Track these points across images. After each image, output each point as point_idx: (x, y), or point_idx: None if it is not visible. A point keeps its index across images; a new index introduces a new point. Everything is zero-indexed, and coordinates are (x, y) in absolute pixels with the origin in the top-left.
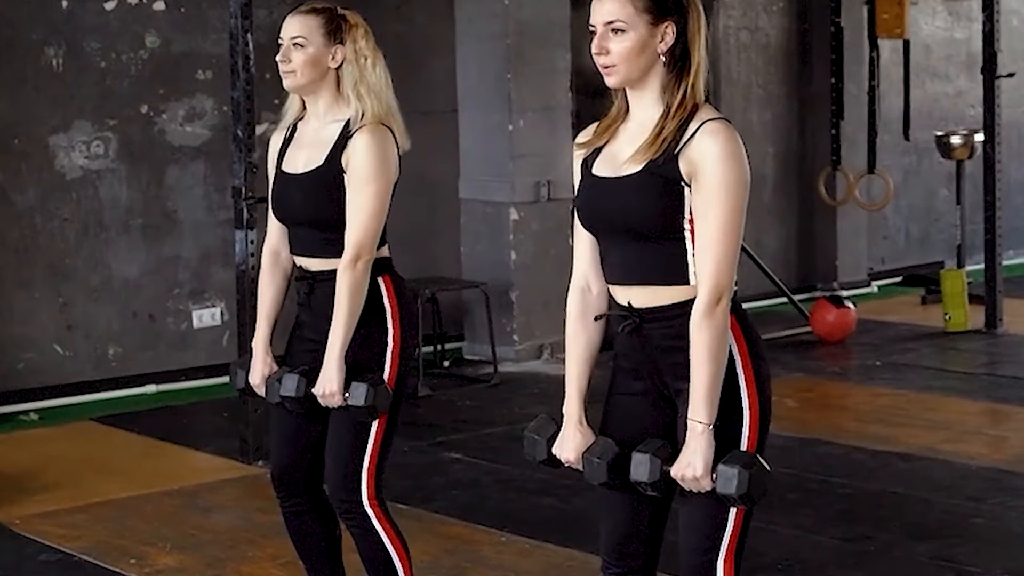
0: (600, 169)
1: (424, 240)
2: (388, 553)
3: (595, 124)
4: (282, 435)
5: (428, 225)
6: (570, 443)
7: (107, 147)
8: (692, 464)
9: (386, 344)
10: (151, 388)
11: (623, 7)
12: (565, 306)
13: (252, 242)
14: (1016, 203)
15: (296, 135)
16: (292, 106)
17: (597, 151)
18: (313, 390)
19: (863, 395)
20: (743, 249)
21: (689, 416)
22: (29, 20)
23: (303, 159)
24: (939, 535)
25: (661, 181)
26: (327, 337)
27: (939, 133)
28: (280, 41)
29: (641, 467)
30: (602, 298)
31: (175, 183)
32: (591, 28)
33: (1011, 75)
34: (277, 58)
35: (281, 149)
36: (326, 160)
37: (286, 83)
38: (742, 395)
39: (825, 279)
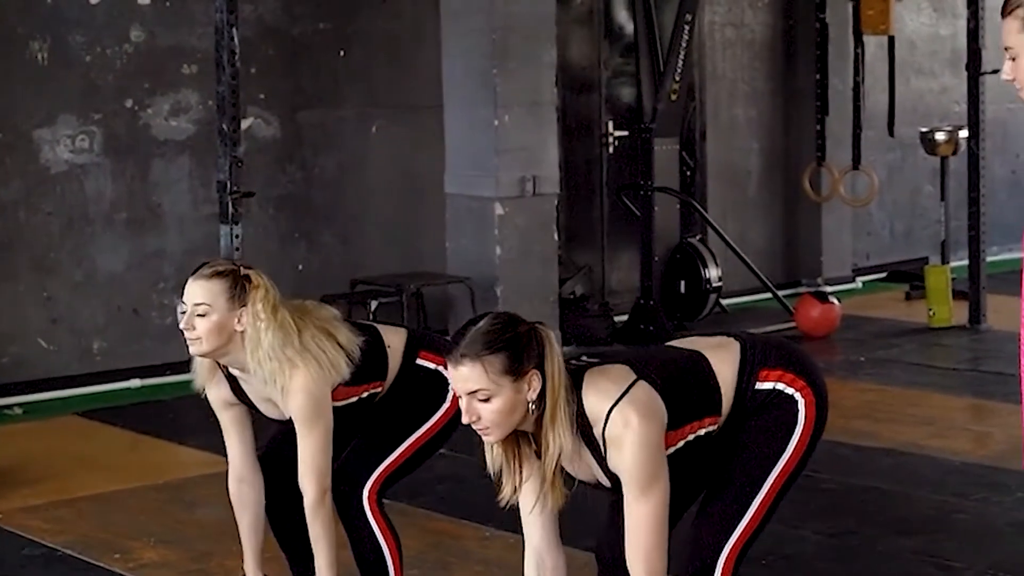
0: (581, 476)
1: (409, 234)
2: (380, 547)
3: (495, 464)
4: (276, 432)
5: (413, 220)
6: None
7: (92, 141)
8: None
9: (447, 387)
10: (135, 382)
11: (482, 376)
12: (549, 301)
13: (237, 236)
14: (1000, 199)
15: (243, 383)
16: (202, 366)
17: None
18: None
19: (847, 390)
20: (729, 246)
21: None
22: (14, 14)
23: (275, 409)
24: (923, 530)
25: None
26: None
27: (924, 129)
28: (183, 309)
29: None
30: (558, 572)
31: (160, 177)
32: (456, 394)
33: (996, 71)
34: (181, 326)
35: (236, 393)
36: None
37: (192, 350)
38: (798, 422)
39: (810, 275)
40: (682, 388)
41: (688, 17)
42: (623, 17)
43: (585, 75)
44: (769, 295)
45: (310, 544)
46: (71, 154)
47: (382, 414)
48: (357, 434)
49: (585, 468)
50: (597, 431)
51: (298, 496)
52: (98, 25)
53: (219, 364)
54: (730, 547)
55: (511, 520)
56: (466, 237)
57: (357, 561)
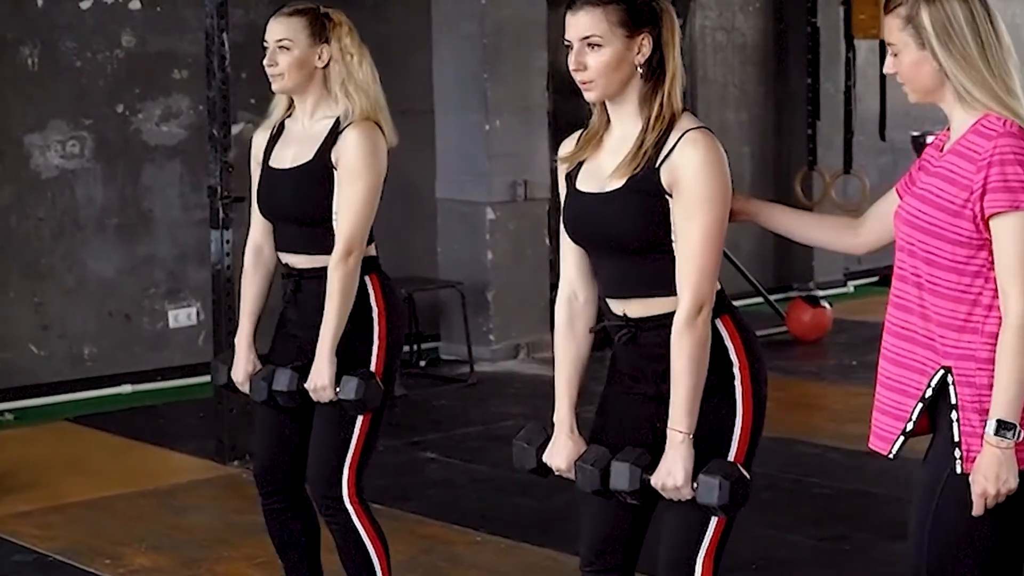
0: (584, 184)
1: (400, 239)
2: (367, 550)
3: (576, 134)
4: (266, 432)
5: (404, 224)
6: (562, 451)
7: (83, 146)
8: (672, 473)
9: (372, 343)
10: (127, 388)
11: (598, 22)
12: (540, 305)
13: (228, 242)
14: None
15: (284, 132)
16: (279, 105)
17: (580, 164)
18: (305, 384)
19: (839, 395)
20: None
21: (669, 426)
22: (4, 19)
23: (291, 155)
24: None
25: (644, 196)
26: (314, 333)
27: (915, 133)
28: (265, 44)
29: (621, 476)
30: (590, 306)
31: (151, 183)
32: (567, 43)
33: None
34: (264, 61)
35: (268, 146)
36: (315, 155)
37: (275, 86)
38: (737, 399)
39: (801, 279)
40: None
41: (679, 21)
42: None
43: None
44: (761, 299)
45: (306, 554)
46: (62, 159)
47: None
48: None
49: (616, 176)
50: (677, 132)
51: (297, 507)
52: (89, 31)
53: (286, 115)
54: (705, 548)
55: (502, 525)
56: (457, 242)
57: (344, 564)
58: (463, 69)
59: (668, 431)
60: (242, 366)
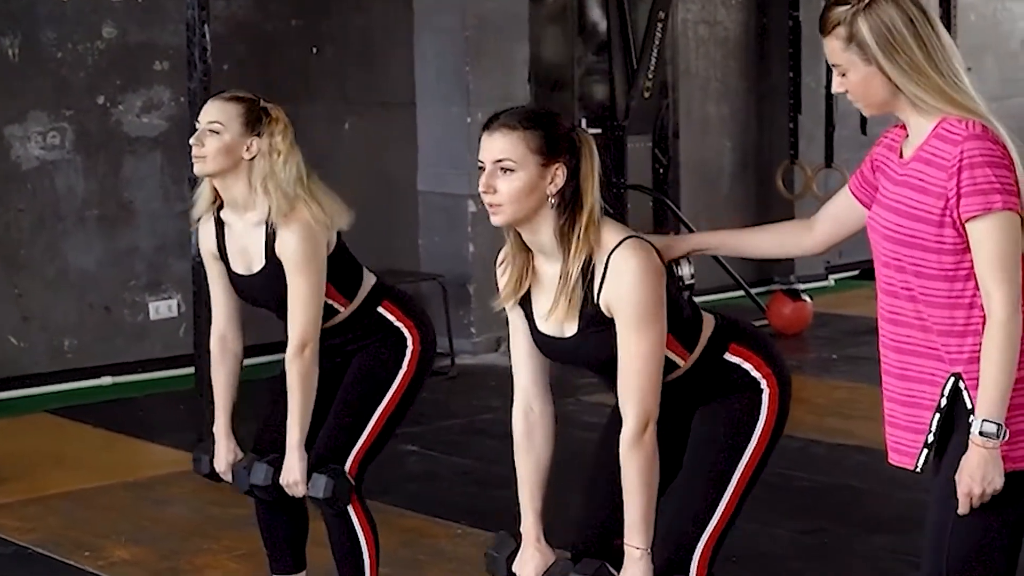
0: (542, 325)
1: (381, 232)
2: (358, 540)
3: (503, 270)
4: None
5: (385, 217)
6: (529, 562)
7: (63, 138)
8: None
9: (404, 351)
10: (107, 380)
11: (514, 146)
12: None
13: None
14: None
15: (227, 229)
16: (203, 194)
17: (527, 298)
18: (279, 480)
19: (820, 388)
20: None
21: (626, 541)
22: None
23: (245, 261)
24: (896, 528)
25: (601, 331)
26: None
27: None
28: (197, 124)
29: None
30: (546, 417)
31: (132, 174)
32: (480, 164)
33: (968, 70)
34: (191, 141)
35: (218, 242)
36: (266, 260)
37: (196, 167)
38: (763, 403)
39: (782, 273)
40: (675, 298)
41: (661, 15)
42: (596, 15)
43: (558, 73)
44: (742, 293)
45: (292, 545)
46: (42, 151)
47: (343, 390)
48: (321, 418)
49: (557, 313)
50: (601, 258)
51: (287, 499)
52: (69, 22)
53: (214, 206)
54: (704, 543)
55: (483, 518)
56: (439, 234)
57: (333, 549)
58: (444, 62)
59: (625, 547)
60: (223, 456)
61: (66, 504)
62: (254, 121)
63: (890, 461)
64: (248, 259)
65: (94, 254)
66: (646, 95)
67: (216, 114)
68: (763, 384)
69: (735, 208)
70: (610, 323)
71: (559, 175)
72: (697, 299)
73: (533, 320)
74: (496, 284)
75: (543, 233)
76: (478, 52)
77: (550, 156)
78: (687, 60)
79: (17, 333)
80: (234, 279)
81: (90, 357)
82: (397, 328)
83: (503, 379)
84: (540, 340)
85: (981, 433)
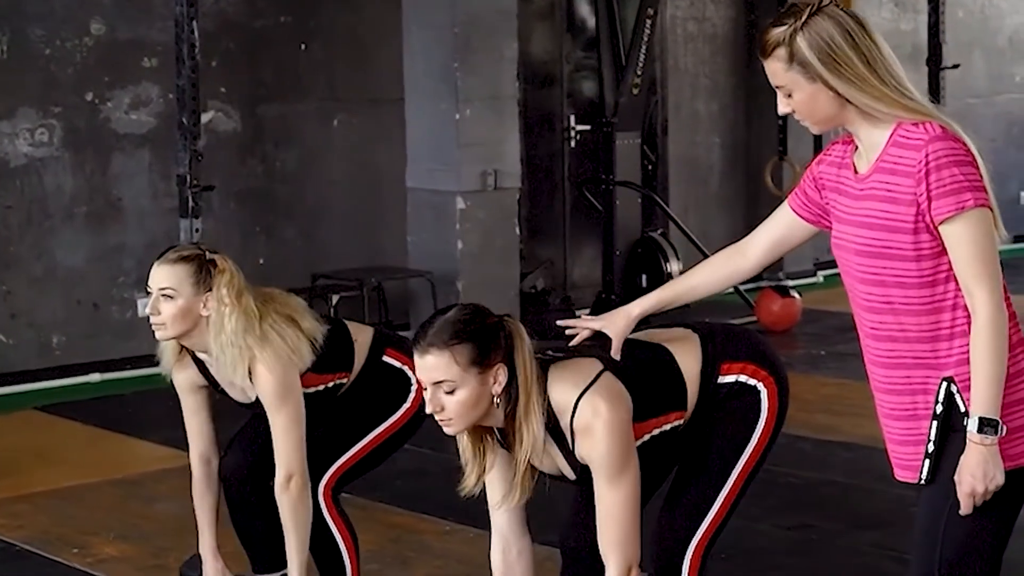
0: (546, 468)
1: (370, 228)
2: (335, 541)
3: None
4: (243, 437)
5: (374, 214)
6: None
7: (51, 135)
8: None
9: (410, 387)
10: (95, 377)
11: (448, 365)
12: (510, 295)
13: (197, 231)
14: None
15: (210, 367)
16: (167, 350)
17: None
18: None
19: (808, 384)
20: (690, 240)
21: None
22: None
23: (238, 392)
24: (882, 524)
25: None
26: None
27: None
28: (148, 290)
29: None
30: (524, 556)
31: (120, 171)
32: (421, 384)
33: (956, 66)
34: (146, 310)
35: (205, 375)
36: (255, 396)
37: (158, 334)
38: (763, 406)
39: (771, 269)
40: (648, 382)
41: (650, 11)
42: (585, 11)
43: (547, 69)
44: (731, 290)
45: (270, 545)
46: (30, 147)
47: (345, 408)
48: (319, 428)
49: (549, 461)
50: (564, 422)
51: (262, 499)
52: (58, 18)
53: (182, 356)
54: (697, 540)
55: (471, 514)
56: (427, 231)
57: (313, 556)
58: (433, 58)
59: None
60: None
61: (54, 501)
62: (205, 278)
63: (896, 478)
64: (240, 390)
65: (82, 251)
66: (635, 92)
67: (166, 280)
68: (760, 387)
69: (723, 205)
70: None
71: (500, 375)
72: None
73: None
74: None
75: (499, 420)
76: (467, 49)
77: (487, 363)
78: (676, 56)
79: (5, 330)
80: (239, 404)
81: (78, 354)
82: (403, 371)
83: None
84: (546, 481)
85: (979, 431)
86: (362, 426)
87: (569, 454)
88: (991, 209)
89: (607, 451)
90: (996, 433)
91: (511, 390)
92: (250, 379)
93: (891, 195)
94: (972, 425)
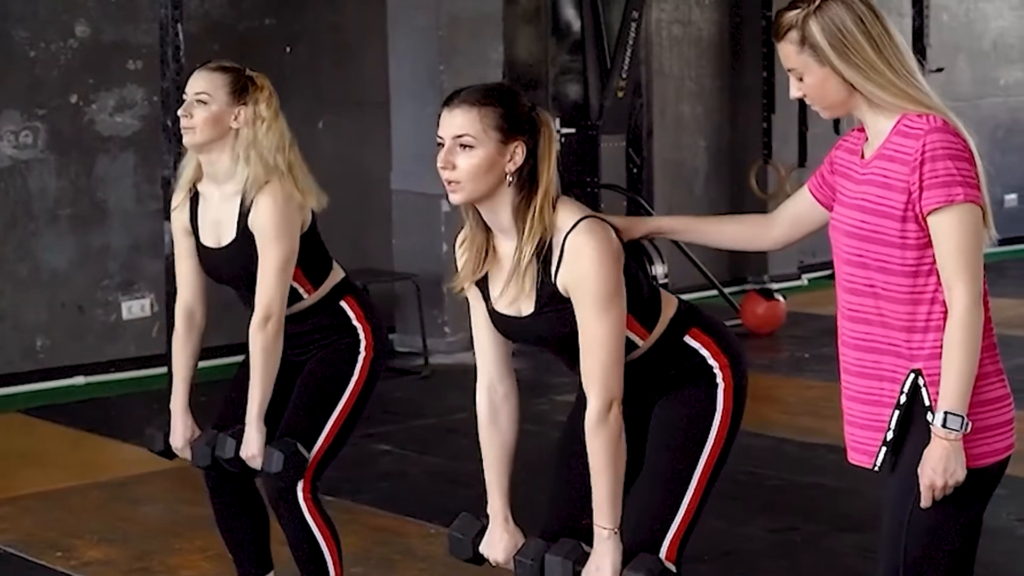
0: (500, 306)
1: (355, 231)
2: (317, 543)
3: (462, 242)
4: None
5: (359, 216)
6: (498, 544)
7: (36, 137)
8: (600, 568)
9: (356, 362)
10: (79, 380)
11: (473, 122)
12: None
13: None
14: None
15: (201, 203)
16: (188, 167)
17: (485, 280)
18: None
19: (792, 387)
20: (675, 243)
21: (595, 521)
22: None
23: (216, 233)
24: (866, 526)
25: (559, 310)
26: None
27: None
28: (184, 96)
29: (555, 570)
30: (510, 399)
31: (105, 173)
32: (439, 140)
33: (940, 70)
34: (179, 112)
35: (191, 218)
36: (238, 232)
37: (185, 139)
38: (719, 395)
39: (755, 272)
40: (635, 277)
41: (635, 14)
42: (570, 14)
43: (532, 72)
44: (715, 292)
45: (255, 546)
46: (15, 150)
47: (296, 395)
48: (275, 422)
49: (516, 290)
50: (558, 239)
51: (245, 500)
52: (42, 20)
53: (197, 179)
54: (670, 538)
55: (455, 517)
56: (412, 234)
57: (294, 556)
58: (419, 61)
59: (594, 527)
60: (180, 432)
61: (38, 504)
62: (241, 90)
63: (849, 460)
64: (219, 232)
65: (67, 253)
66: (620, 95)
67: (203, 85)
68: (718, 375)
69: (708, 207)
70: (568, 302)
71: (518, 153)
72: None
73: (490, 300)
74: (456, 266)
75: (501, 212)
76: (452, 51)
77: (509, 134)
78: (661, 60)
79: None
80: (202, 253)
81: (63, 357)
82: (354, 328)
83: (476, 379)
84: (497, 320)
85: (944, 425)
86: (320, 412)
87: (545, 280)
88: (982, 207)
89: (598, 275)
90: (961, 429)
91: (523, 174)
92: (242, 215)
93: (886, 181)
94: (937, 419)
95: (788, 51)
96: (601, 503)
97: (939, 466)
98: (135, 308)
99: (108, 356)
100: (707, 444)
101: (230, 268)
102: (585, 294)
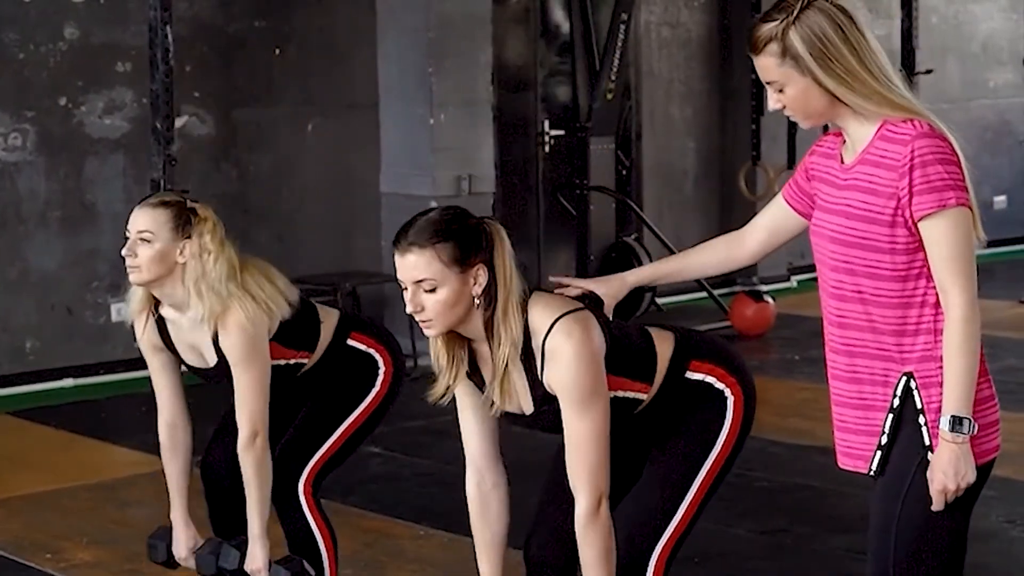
0: (506, 405)
1: (345, 233)
2: (316, 544)
3: (437, 363)
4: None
5: (349, 218)
6: None
7: (25, 139)
8: None
9: (377, 371)
10: (69, 382)
11: (430, 264)
12: None
13: None
14: None
15: (170, 327)
16: (137, 296)
17: (478, 373)
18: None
19: (782, 389)
20: (664, 245)
21: None
22: None
23: (198, 355)
24: (856, 528)
25: (555, 407)
26: (309, 396)
27: None
28: (127, 234)
29: None
30: (499, 489)
31: (94, 175)
32: (401, 284)
33: (929, 72)
34: (123, 252)
35: (163, 339)
36: (218, 357)
37: (131, 277)
38: (728, 410)
39: (745, 274)
40: (623, 343)
41: (624, 16)
42: (559, 16)
43: (521, 74)
44: (704, 294)
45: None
46: (4, 152)
47: (314, 399)
48: (288, 423)
49: (513, 393)
50: (537, 343)
51: (237, 492)
52: (32, 22)
53: (150, 306)
54: (661, 547)
55: (445, 519)
56: None
57: (292, 553)
58: (408, 63)
59: None
60: (183, 542)
61: (28, 506)
62: (184, 224)
63: (840, 466)
64: (201, 354)
65: (56, 255)
66: (609, 97)
67: (146, 223)
68: (727, 393)
69: (698, 209)
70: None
71: (480, 275)
72: (660, 300)
73: (491, 403)
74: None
75: (473, 329)
76: (441, 53)
77: (467, 262)
78: (650, 62)
79: None
80: (193, 369)
81: (52, 359)
82: (369, 354)
83: None
84: (505, 416)
85: (951, 429)
86: (334, 417)
87: (535, 381)
88: (971, 210)
89: (576, 377)
90: (968, 431)
91: (491, 291)
92: (214, 339)
93: (872, 187)
94: (944, 423)
95: (768, 64)
96: None
97: (950, 469)
98: (124, 311)
99: (97, 358)
100: (709, 458)
101: (224, 379)
102: (566, 395)
